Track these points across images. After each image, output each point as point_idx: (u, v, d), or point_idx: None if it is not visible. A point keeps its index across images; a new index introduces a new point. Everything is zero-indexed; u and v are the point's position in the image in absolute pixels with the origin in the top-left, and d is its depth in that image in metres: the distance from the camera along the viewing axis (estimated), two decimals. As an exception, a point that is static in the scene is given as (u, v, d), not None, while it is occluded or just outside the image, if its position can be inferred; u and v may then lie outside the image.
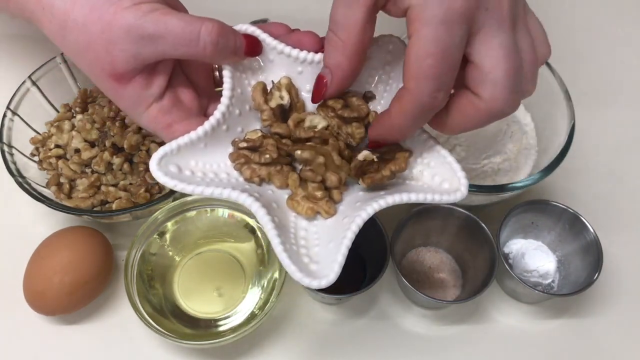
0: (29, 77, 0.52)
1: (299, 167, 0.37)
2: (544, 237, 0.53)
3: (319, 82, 0.36)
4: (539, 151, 0.55)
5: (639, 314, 0.52)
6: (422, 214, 0.50)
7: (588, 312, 0.52)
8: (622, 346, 0.51)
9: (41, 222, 0.54)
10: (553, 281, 0.52)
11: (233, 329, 0.46)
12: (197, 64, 0.39)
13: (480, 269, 0.49)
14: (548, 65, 0.53)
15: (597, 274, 0.47)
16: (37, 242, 0.48)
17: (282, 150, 0.36)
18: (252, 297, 0.49)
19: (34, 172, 0.51)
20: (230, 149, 0.37)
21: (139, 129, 0.52)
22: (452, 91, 0.33)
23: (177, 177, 0.34)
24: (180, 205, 0.50)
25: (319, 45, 0.38)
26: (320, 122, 0.37)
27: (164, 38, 0.33)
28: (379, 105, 0.39)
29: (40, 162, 0.51)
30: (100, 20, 0.33)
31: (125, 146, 0.50)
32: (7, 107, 0.51)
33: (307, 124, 0.37)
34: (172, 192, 0.49)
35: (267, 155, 0.36)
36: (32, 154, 0.52)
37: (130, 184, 0.51)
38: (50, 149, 0.51)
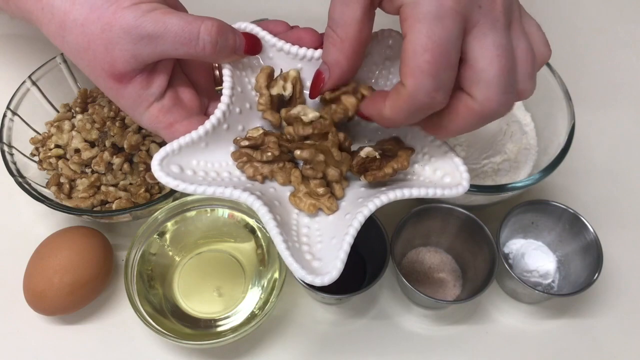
0: (29, 77, 0.52)
1: (301, 162, 0.37)
2: (544, 237, 0.53)
3: (317, 78, 0.36)
4: (539, 151, 0.55)
5: (639, 314, 0.52)
6: (422, 214, 0.50)
7: (588, 312, 0.52)
8: (622, 346, 0.51)
9: (41, 222, 0.54)
10: (553, 281, 0.52)
11: (233, 329, 0.46)
12: (197, 63, 0.39)
13: (480, 269, 0.49)
14: (548, 65, 0.53)
15: (597, 274, 0.47)
16: (37, 242, 0.48)
17: (284, 147, 0.36)
18: (252, 297, 0.49)
19: (34, 172, 0.51)
20: (231, 148, 0.37)
21: (139, 128, 0.52)
22: None
23: (179, 177, 0.34)
24: (180, 205, 0.50)
25: (319, 41, 0.38)
26: (310, 112, 0.36)
27: (164, 38, 0.33)
28: None
29: (40, 162, 0.51)
30: (100, 20, 0.33)
31: (125, 146, 0.50)
32: (7, 107, 0.51)
33: (298, 109, 0.36)
34: (172, 192, 0.49)
35: (269, 153, 0.36)
36: (32, 154, 0.52)
37: (130, 184, 0.51)
38: (50, 149, 0.51)
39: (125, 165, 0.50)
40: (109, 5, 0.33)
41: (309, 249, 0.34)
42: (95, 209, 0.50)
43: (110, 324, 0.50)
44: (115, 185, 0.51)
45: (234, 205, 0.51)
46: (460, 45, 0.31)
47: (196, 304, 0.49)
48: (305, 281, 0.31)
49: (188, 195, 0.49)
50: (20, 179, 0.48)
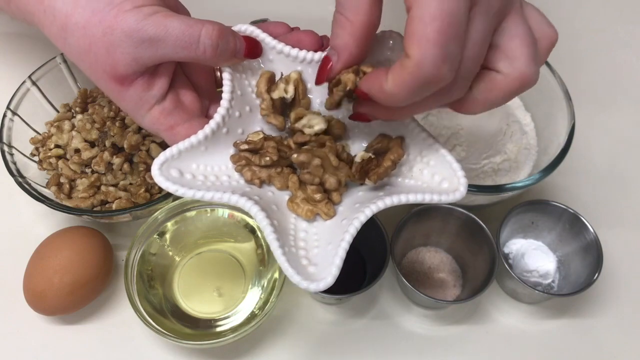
0: (29, 77, 0.52)
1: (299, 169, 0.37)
2: (544, 237, 0.53)
3: (324, 63, 0.34)
4: (539, 151, 0.55)
5: (639, 314, 0.52)
6: (422, 214, 0.50)
7: (588, 312, 0.52)
8: (622, 346, 0.51)
9: (41, 222, 0.54)
10: (553, 281, 0.52)
11: (233, 329, 0.46)
12: (198, 66, 0.39)
13: (480, 269, 0.49)
14: (548, 65, 0.53)
15: (597, 274, 0.47)
16: (37, 242, 0.48)
17: (283, 152, 0.37)
18: (252, 297, 0.49)
19: (34, 172, 0.51)
20: (231, 151, 0.37)
21: (139, 128, 0.52)
22: None
23: (179, 182, 0.34)
24: (180, 205, 0.50)
25: (319, 44, 0.38)
26: (318, 124, 0.36)
27: (165, 41, 0.33)
28: None
29: (40, 162, 0.51)
30: (102, 23, 0.33)
31: (125, 146, 0.50)
32: (7, 107, 0.51)
33: (304, 121, 0.37)
34: (172, 192, 0.49)
35: (268, 158, 0.36)
36: (32, 154, 0.52)
37: (130, 184, 0.51)
38: (50, 149, 0.51)
39: (125, 165, 0.50)
40: (111, 9, 0.33)
41: (306, 253, 0.34)
42: (95, 209, 0.50)
43: (110, 324, 0.50)
44: (115, 185, 0.51)
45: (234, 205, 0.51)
46: (467, 19, 0.30)
47: (196, 304, 0.49)
48: (301, 287, 0.32)
49: (188, 195, 0.49)
50: (20, 179, 0.48)
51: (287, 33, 0.38)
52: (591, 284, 0.47)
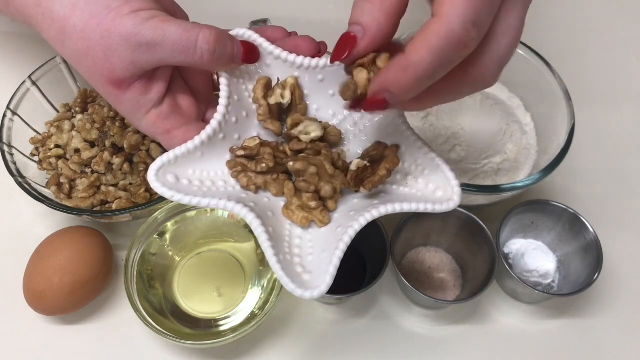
0: (29, 77, 0.52)
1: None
2: (544, 237, 0.53)
3: (346, 38, 0.31)
4: (539, 151, 0.55)
5: (639, 314, 0.52)
6: (422, 214, 0.50)
7: (588, 312, 0.52)
8: (622, 346, 0.51)
9: (41, 222, 0.54)
10: (553, 281, 0.52)
11: (233, 329, 0.46)
12: (195, 70, 0.39)
13: (480, 269, 0.49)
14: (548, 65, 0.53)
15: (597, 274, 0.47)
16: (37, 242, 0.48)
17: (279, 159, 0.37)
18: (252, 297, 0.49)
19: (34, 172, 0.51)
20: (227, 156, 0.37)
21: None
22: None
23: (175, 188, 0.34)
24: (180, 205, 0.50)
25: (316, 50, 0.38)
26: (314, 131, 0.36)
27: (162, 46, 0.33)
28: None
29: (40, 162, 0.51)
30: (100, 27, 0.33)
31: (125, 146, 0.50)
32: (7, 107, 0.51)
33: (300, 128, 0.37)
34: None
35: (264, 165, 0.36)
36: (32, 154, 0.52)
37: (130, 184, 0.51)
38: (50, 149, 0.51)
39: (125, 165, 0.50)
40: (109, 12, 0.33)
41: (300, 260, 0.34)
42: (95, 209, 0.50)
43: (110, 324, 0.50)
44: (115, 185, 0.51)
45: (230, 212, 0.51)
46: None
47: (196, 304, 0.49)
48: (295, 294, 0.32)
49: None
50: (20, 179, 0.48)
51: (285, 38, 0.38)
52: (591, 284, 0.47)
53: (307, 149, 0.36)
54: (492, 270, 0.47)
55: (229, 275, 0.50)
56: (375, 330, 0.50)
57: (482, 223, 0.49)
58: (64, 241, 0.48)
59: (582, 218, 0.50)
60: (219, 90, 0.37)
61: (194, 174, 0.36)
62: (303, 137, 0.37)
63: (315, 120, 0.37)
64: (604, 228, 0.50)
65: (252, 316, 0.47)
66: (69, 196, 0.50)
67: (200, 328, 0.48)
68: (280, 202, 0.37)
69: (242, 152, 0.37)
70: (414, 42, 0.28)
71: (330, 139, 0.38)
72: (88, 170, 0.51)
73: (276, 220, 0.35)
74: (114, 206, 0.49)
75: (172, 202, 0.49)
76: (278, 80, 0.38)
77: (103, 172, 0.50)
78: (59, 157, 0.51)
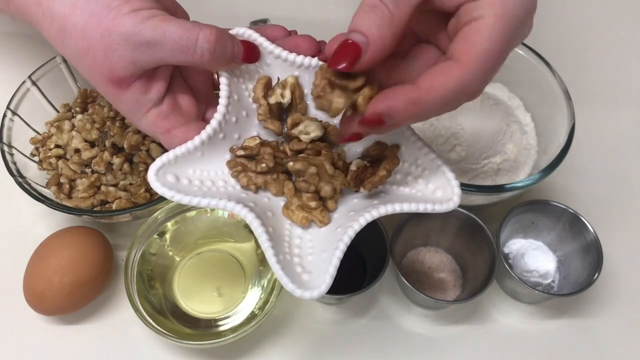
0: (29, 77, 0.52)
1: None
2: (544, 237, 0.53)
3: (348, 46, 0.30)
4: (539, 151, 0.55)
5: (639, 314, 0.52)
6: (422, 214, 0.50)
7: (588, 312, 0.52)
8: (622, 346, 0.51)
9: (41, 222, 0.54)
10: (553, 281, 0.52)
11: (233, 329, 0.46)
12: (195, 69, 0.39)
13: (480, 269, 0.49)
14: (548, 65, 0.53)
15: (597, 274, 0.47)
16: (37, 242, 0.48)
17: (279, 159, 0.37)
18: (252, 297, 0.49)
19: (34, 172, 0.51)
20: (227, 156, 0.37)
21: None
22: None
23: (175, 188, 0.34)
24: (180, 205, 0.50)
25: (316, 49, 0.38)
26: (314, 130, 0.36)
27: (162, 45, 0.33)
28: None
29: (40, 162, 0.51)
30: (100, 25, 0.33)
31: (125, 146, 0.50)
32: (7, 107, 0.51)
33: (300, 127, 0.37)
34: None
35: (264, 165, 0.36)
36: (32, 154, 0.52)
37: (130, 184, 0.51)
38: (50, 149, 0.51)
39: (125, 165, 0.50)
40: (109, 12, 0.33)
41: (300, 260, 0.34)
42: (95, 209, 0.50)
43: (110, 324, 0.50)
44: (115, 185, 0.51)
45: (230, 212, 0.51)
46: None
47: (196, 304, 0.49)
48: (295, 295, 0.32)
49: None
50: (20, 179, 0.48)
51: (285, 37, 0.38)
52: (591, 284, 0.47)
53: (307, 149, 0.37)
54: (492, 270, 0.47)
55: (229, 275, 0.50)
56: (375, 330, 0.50)
57: (482, 223, 0.49)
58: (64, 241, 0.48)
59: (582, 218, 0.50)
60: (218, 89, 0.37)
61: (194, 173, 0.36)
62: (303, 137, 0.37)
63: (315, 119, 0.37)
64: (604, 228, 0.50)
65: (252, 316, 0.47)
66: (69, 196, 0.50)
67: (200, 328, 0.48)
68: (280, 202, 0.37)
69: (242, 152, 0.37)
70: (430, 81, 0.29)
71: (330, 138, 0.38)
72: (88, 170, 0.51)
73: (276, 220, 0.35)
74: (114, 206, 0.49)
75: (172, 202, 0.49)
76: (278, 79, 0.38)
77: (103, 172, 0.50)
78: (59, 157, 0.51)
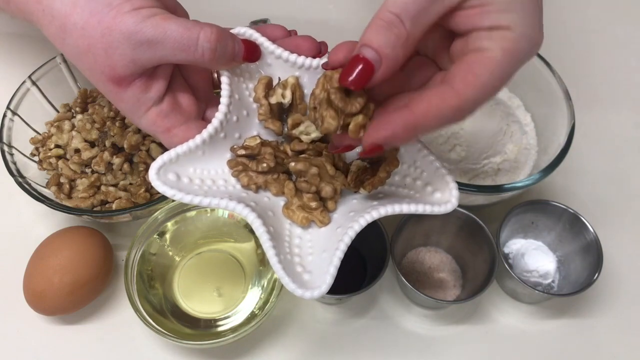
0: (29, 77, 0.52)
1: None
2: (544, 237, 0.53)
3: (361, 64, 0.30)
4: (539, 151, 0.55)
5: (639, 314, 0.52)
6: (421, 214, 0.50)
7: (588, 312, 0.52)
8: (622, 346, 0.51)
9: (41, 222, 0.54)
10: (553, 281, 0.52)
11: (233, 329, 0.46)
12: (196, 68, 0.39)
13: (480, 269, 0.49)
14: (548, 65, 0.53)
15: (597, 274, 0.47)
16: (37, 242, 0.48)
17: (279, 159, 0.37)
18: (252, 297, 0.49)
19: (34, 172, 0.51)
20: (228, 155, 0.37)
21: (139, 128, 0.52)
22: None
23: (176, 186, 0.34)
24: (180, 205, 0.50)
25: (317, 50, 0.38)
26: (315, 131, 0.37)
27: (163, 44, 0.33)
28: None
29: (40, 162, 0.51)
30: (100, 24, 0.33)
31: (125, 146, 0.50)
32: (7, 107, 0.51)
33: (301, 128, 0.37)
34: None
35: (265, 164, 0.36)
36: (32, 154, 0.52)
37: (130, 184, 0.51)
38: (50, 149, 0.51)
39: (125, 165, 0.50)
40: (110, 10, 0.33)
41: (300, 260, 0.34)
42: (95, 209, 0.50)
43: (110, 324, 0.50)
44: (115, 185, 0.51)
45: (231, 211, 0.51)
46: None
47: (196, 304, 0.49)
48: (295, 294, 0.32)
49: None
50: (20, 179, 0.48)
51: (285, 37, 0.39)
52: (591, 284, 0.47)
53: (308, 150, 0.37)
54: (492, 270, 0.47)
55: (229, 275, 0.50)
56: (375, 330, 0.50)
57: (482, 223, 0.49)
58: (64, 241, 0.48)
59: (582, 218, 0.50)
60: (218, 88, 0.37)
61: (195, 172, 0.36)
62: (304, 138, 0.37)
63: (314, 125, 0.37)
64: (604, 228, 0.50)
65: (252, 316, 0.47)
66: (69, 196, 0.50)
67: (200, 328, 0.48)
68: (280, 201, 0.37)
69: (243, 152, 0.37)
70: (427, 106, 0.30)
71: (330, 139, 0.38)
72: (88, 170, 0.51)
73: (276, 219, 0.35)
74: (114, 206, 0.49)
75: (172, 202, 0.49)
76: (279, 79, 0.38)
77: (103, 172, 0.50)
78: (59, 157, 0.51)
